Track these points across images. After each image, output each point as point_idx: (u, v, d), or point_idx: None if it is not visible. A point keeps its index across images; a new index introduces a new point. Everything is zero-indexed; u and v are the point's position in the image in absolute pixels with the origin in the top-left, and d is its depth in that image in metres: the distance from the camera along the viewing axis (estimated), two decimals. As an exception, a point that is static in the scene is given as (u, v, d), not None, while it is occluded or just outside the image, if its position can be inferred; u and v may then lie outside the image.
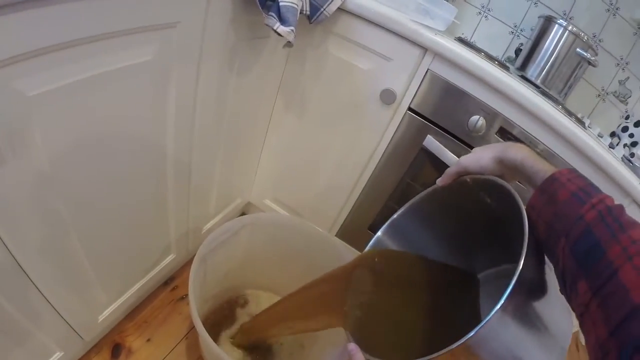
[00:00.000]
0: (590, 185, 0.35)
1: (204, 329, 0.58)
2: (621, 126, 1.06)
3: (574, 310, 0.32)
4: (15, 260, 0.47)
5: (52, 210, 0.50)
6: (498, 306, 0.29)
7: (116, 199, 0.61)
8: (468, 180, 0.44)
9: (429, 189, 0.50)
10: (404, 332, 0.46)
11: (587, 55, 0.94)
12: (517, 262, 0.31)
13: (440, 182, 0.47)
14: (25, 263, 0.49)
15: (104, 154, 0.53)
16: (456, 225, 0.50)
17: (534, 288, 0.36)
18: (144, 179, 0.65)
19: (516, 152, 0.40)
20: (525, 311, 0.36)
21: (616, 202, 0.33)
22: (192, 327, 0.91)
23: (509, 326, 0.33)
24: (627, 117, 1.08)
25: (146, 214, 0.71)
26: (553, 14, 1.03)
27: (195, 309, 0.60)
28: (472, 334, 0.29)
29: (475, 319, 0.42)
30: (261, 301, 0.95)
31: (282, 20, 0.62)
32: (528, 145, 0.43)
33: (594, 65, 0.96)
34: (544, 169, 0.37)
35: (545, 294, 0.37)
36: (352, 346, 0.39)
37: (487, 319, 0.29)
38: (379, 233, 0.53)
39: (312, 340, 0.88)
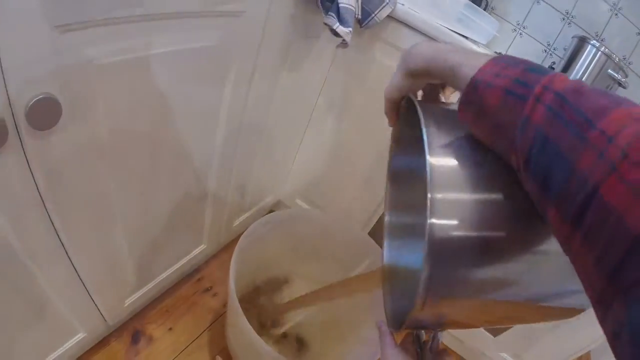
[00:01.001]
0: (529, 69, 0.23)
1: (242, 311, 0.59)
2: (647, 149, 1.08)
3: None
4: (59, 237, 0.48)
5: (102, 186, 0.50)
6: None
7: (162, 183, 0.62)
8: (400, 109, 0.37)
9: (390, 145, 0.42)
10: None
11: (618, 76, 0.96)
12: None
13: (388, 124, 0.39)
14: (68, 241, 0.49)
15: (158, 134, 0.54)
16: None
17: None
18: (191, 166, 0.66)
19: (415, 58, 0.29)
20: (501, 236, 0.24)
21: (570, 79, 0.21)
22: (216, 320, 0.91)
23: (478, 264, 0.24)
24: (652, 141, 1.09)
25: (188, 200, 0.72)
26: (586, 35, 1.05)
27: (233, 290, 0.60)
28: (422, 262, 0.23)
29: None
30: (293, 293, 0.95)
31: (341, 21, 0.63)
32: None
33: (624, 87, 0.98)
34: (451, 66, 0.26)
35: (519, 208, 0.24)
36: (380, 322, 0.40)
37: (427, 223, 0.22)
38: (385, 242, 0.45)
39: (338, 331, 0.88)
